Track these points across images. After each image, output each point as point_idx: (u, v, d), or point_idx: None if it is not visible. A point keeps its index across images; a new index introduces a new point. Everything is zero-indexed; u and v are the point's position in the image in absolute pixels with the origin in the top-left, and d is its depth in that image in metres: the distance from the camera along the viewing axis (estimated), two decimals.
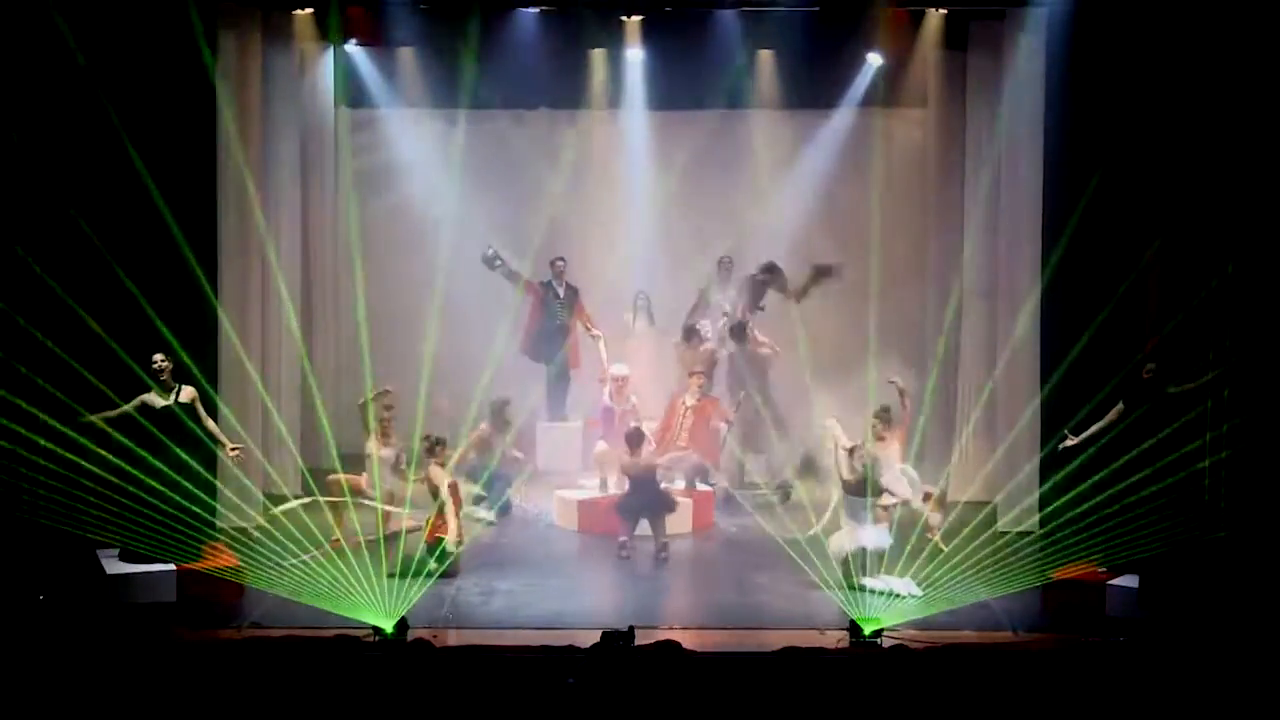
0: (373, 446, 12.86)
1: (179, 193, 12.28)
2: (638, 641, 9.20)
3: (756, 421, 14.49)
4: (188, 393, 12.08)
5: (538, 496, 14.48)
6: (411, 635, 10.14)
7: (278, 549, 11.90)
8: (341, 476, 12.78)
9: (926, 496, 12.71)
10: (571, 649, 9.35)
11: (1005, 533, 12.67)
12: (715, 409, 14.35)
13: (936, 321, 14.59)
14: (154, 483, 11.41)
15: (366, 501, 12.66)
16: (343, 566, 11.38)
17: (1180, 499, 11.40)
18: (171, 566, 11.59)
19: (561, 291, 15.58)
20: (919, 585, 11.52)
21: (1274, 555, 11.01)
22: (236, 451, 12.41)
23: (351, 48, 15.43)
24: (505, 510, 13.88)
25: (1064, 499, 11.90)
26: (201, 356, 12.48)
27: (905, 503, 12.58)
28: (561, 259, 15.64)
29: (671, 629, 10.81)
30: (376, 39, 15.18)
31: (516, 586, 12.00)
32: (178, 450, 11.70)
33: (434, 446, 12.34)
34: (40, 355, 11.42)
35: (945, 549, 12.31)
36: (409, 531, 12.18)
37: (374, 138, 15.94)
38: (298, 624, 10.67)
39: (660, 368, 15.41)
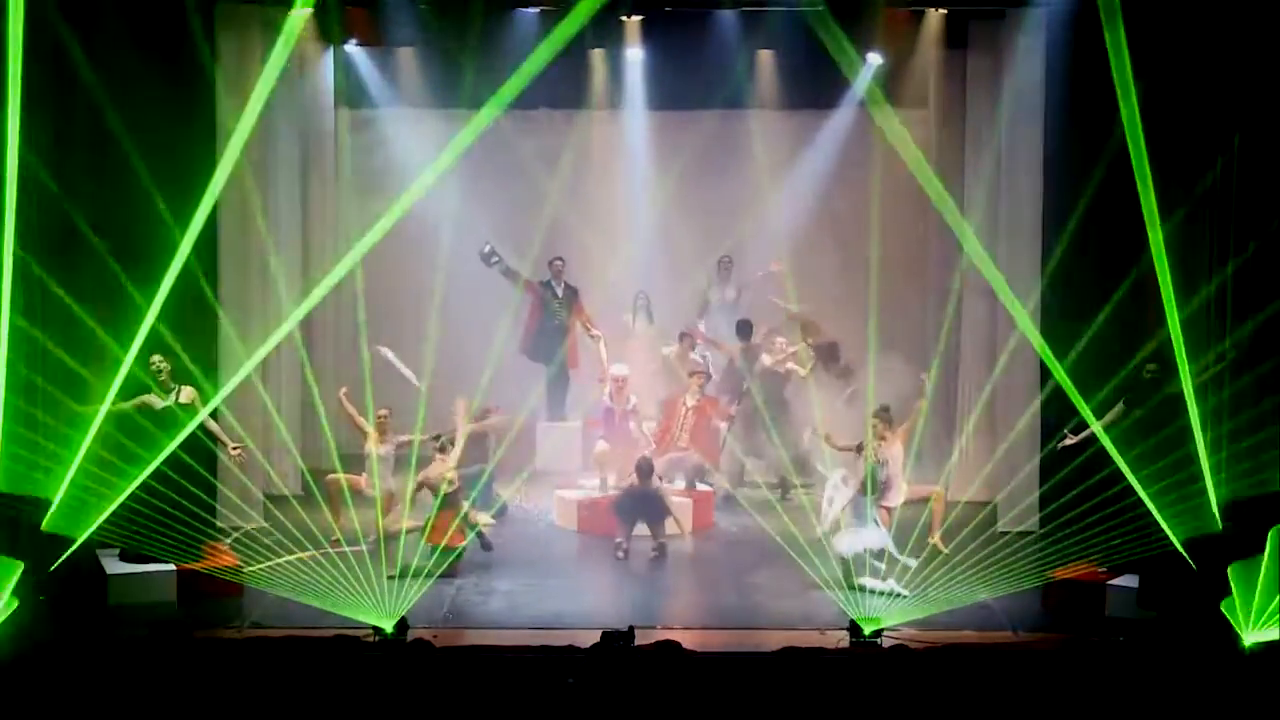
0: (371, 446, 12.86)
1: (179, 193, 12.26)
2: (638, 641, 9.21)
3: (756, 421, 14.48)
4: (188, 393, 12.08)
5: (537, 496, 14.49)
6: (411, 635, 10.14)
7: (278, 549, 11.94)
8: (341, 476, 12.79)
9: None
10: (571, 649, 9.36)
11: (1005, 533, 12.66)
12: (715, 408, 14.35)
13: (936, 321, 14.59)
14: (154, 483, 11.40)
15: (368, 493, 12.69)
16: (343, 566, 11.38)
17: (1180, 499, 11.39)
18: (171, 566, 11.60)
19: (560, 291, 15.57)
20: (908, 586, 11.51)
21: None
22: (238, 450, 12.41)
23: (351, 48, 15.44)
24: (502, 512, 13.87)
25: (1064, 499, 11.89)
26: (201, 356, 12.47)
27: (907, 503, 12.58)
28: (560, 259, 15.63)
29: (671, 629, 10.81)
30: (376, 39, 15.18)
31: (516, 586, 12.00)
32: (178, 450, 11.69)
33: (446, 446, 12.38)
34: (40, 355, 11.40)
35: (945, 550, 12.32)
36: (409, 531, 12.19)
37: (374, 138, 15.93)
38: (298, 624, 10.67)
39: (660, 368, 15.40)
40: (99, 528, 11.17)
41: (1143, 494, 11.15)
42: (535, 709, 8.53)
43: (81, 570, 11.32)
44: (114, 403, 11.50)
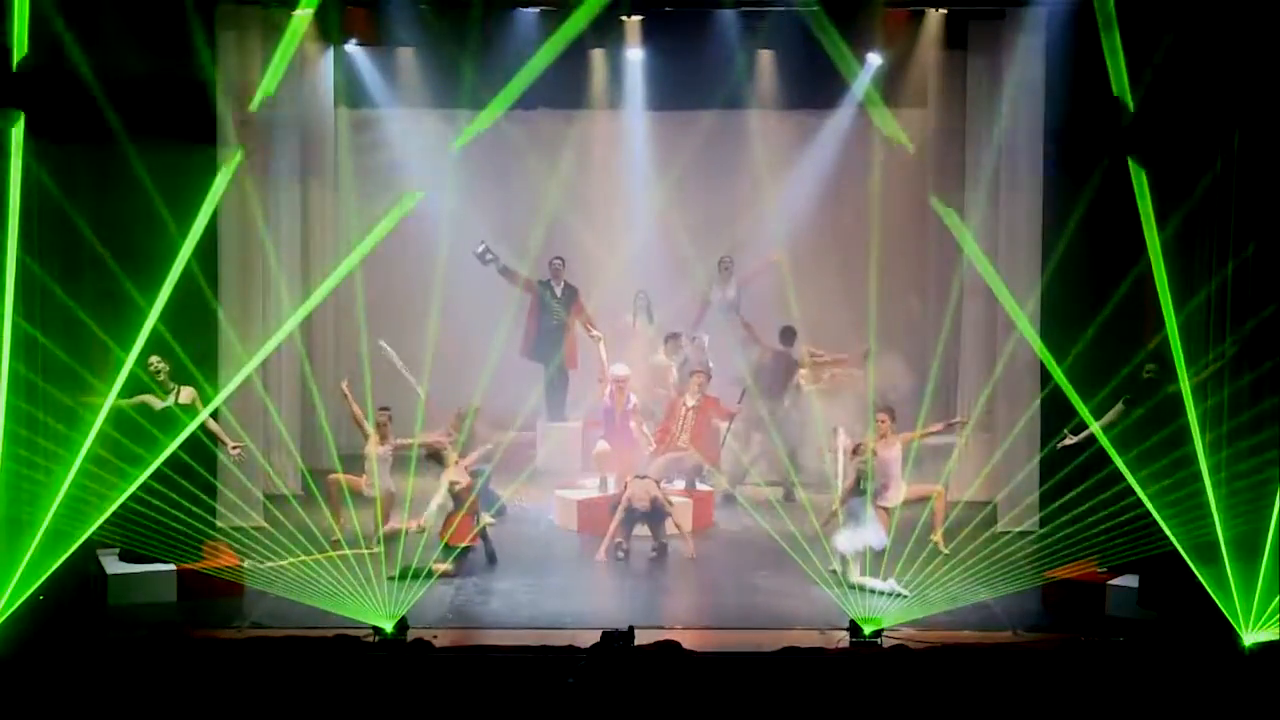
0: (371, 447, 12.86)
1: (179, 193, 12.27)
2: (638, 641, 9.21)
3: (756, 421, 14.49)
4: (187, 393, 12.07)
5: (537, 496, 14.49)
6: (411, 635, 10.15)
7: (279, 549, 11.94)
8: (341, 477, 12.80)
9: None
10: (571, 649, 9.36)
11: (1005, 533, 12.66)
12: (716, 407, 14.35)
13: (936, 321, 14.59)
14: (154, 482, 11.40)
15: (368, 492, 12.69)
16: (343, 567, 11.38)
17: (1180, 499, 11.39)
18: (171, 566, 11.60)
19: (559, 291, 15.58)
20: (907, 585, 11.52)
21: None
22: (238, 450, 12.41)
23: (351, 47, 15.44)
24: (501, 512, 13.87)
25: (1064, 499, 11.89)
26: (202, 356, 12.47)
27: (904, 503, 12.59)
28: (559, 259, 15.63)
29: (671, 629, 10.80)
30: (377, 39, 15.18)
31: (516, 586, 12.00)
32: (178, 450, 11.69)
33: (449, 454, 12.45)
34: (40, 355, 11.40)
35: (946, 549, 12.33)
36: (409, 532, 12.20)
37: (374, 138, 15.94)
38: (298, 624, 10.67)
39: (660, 368, 15.40)
40: (99, 528, 11.16)
41: (1142, 494, 11.15)
42: (535, 709, 8.54)
43: (81, 570, 11.32)
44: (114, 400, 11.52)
